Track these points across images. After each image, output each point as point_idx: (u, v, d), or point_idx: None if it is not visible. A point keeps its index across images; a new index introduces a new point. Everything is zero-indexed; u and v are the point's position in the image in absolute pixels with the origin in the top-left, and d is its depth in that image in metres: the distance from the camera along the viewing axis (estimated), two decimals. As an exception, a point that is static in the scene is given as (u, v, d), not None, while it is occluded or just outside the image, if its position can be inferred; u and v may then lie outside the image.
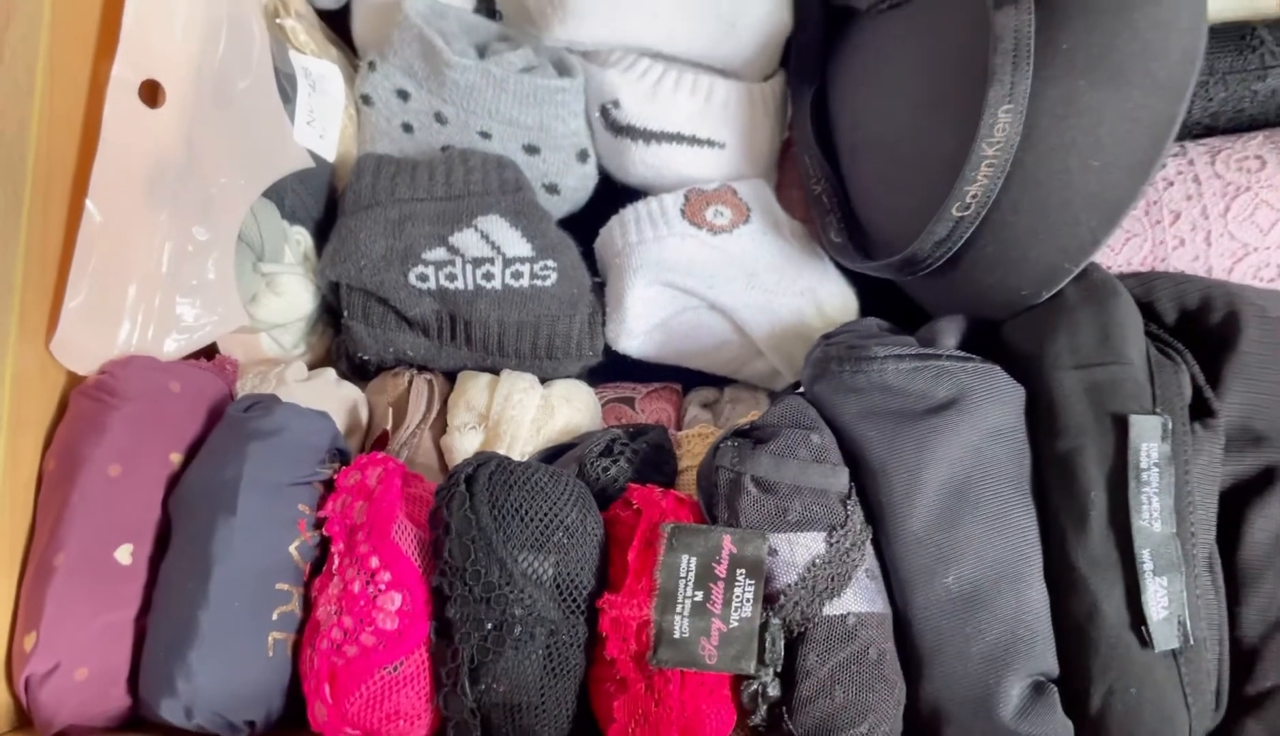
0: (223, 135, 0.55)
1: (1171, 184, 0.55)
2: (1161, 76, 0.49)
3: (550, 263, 0.59)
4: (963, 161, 0.50)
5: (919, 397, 0.50)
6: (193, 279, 0.54)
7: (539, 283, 0.58)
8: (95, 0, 0.54)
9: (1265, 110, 0.56)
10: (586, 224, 0.65)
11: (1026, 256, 0.52)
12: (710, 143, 0.63)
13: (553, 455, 0.56)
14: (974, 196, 0.51)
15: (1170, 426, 0.49)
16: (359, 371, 0.62)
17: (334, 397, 0.57)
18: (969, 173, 0.50)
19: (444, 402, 0.59)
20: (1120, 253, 0.55)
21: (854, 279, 0.62)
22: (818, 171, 0.62)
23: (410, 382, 0.59)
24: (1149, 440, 0.48)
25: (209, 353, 0.57)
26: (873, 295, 0.62)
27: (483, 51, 0.63)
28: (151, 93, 0.53)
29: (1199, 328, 0.53)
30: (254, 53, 0.58)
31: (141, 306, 0.53)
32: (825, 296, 0.61)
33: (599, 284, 0.62)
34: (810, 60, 0.63)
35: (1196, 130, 0.57)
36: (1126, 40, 0.49)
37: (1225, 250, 0.54)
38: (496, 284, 0.58)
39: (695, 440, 0.57)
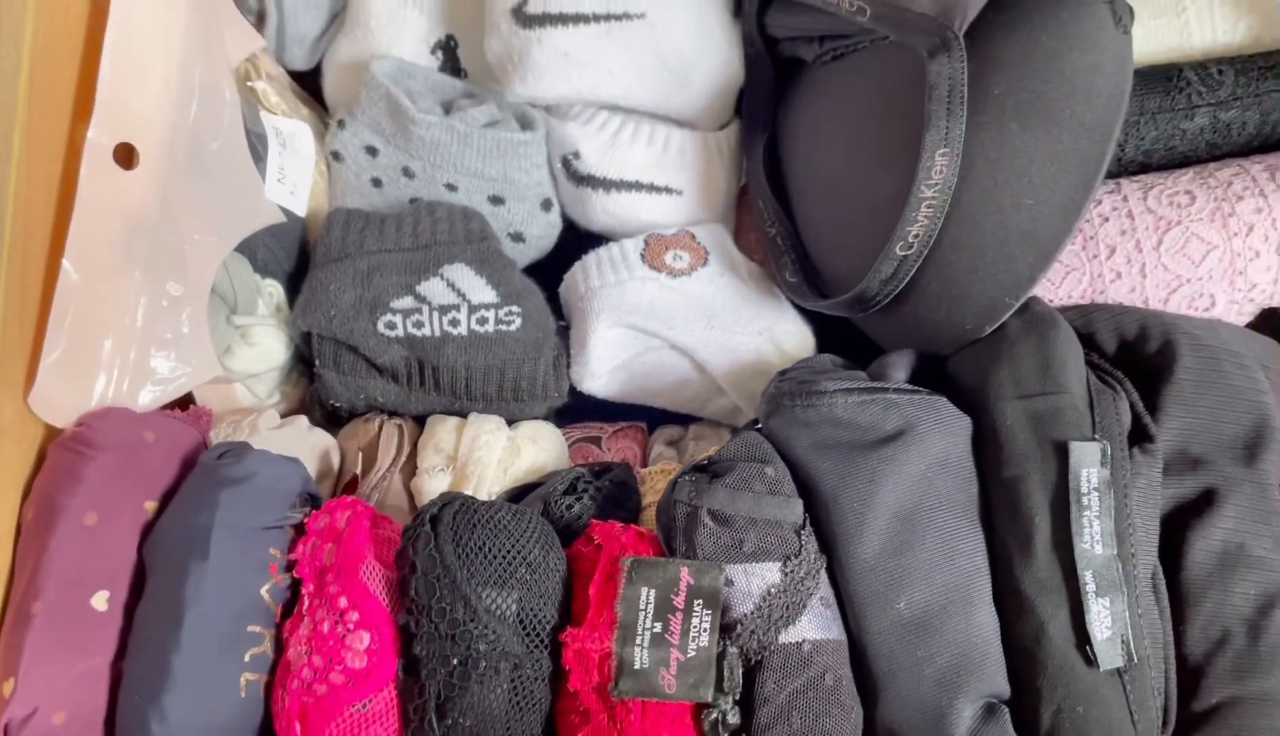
0: (196, 194, 0.57)
1: (1107, 219, 0.57)
2: (1089, 119, 0.51)
3: (515, 308, 0.61)
4: (903, 203, 0.53)
5: (868, 429, 0.52)
6: (167, 332, 0.56)
7: (504, 327, 0.60)
8: (71, 67, 0.56)
9: (1195, 147, 0.59)
10: (553, 270, 0.67)
11: (968, 293, 0.54)
12: (668, 190, 0.65)
13: (519, 494, 0.58)
14: (916, 236, 0.53)
15: (1109, 452, 0.50)
16: (332, 418, 0.64)
17: (305, 444, 0.59)
18: (910, 213, 0.53)
19: (414, 446, 0.60)
20: (1060, 286, 0.58)
21: (810, 317, 0.64)
22: (771, 215, 0.64)
23: (381, 427, 0.61)
24: (1089, 466, 0.50)
25: (184, 403, 0.59)
26: (829, 332, 0.64)
27: (448, 108, 0.66)
28: (126, 155, 0.55)
29: (1137, 357, 0.55)
30: (226, 114, 0.60)
31: (117, 360, 0.55)
32: (782, 334, 0.63)
33: (564, 327, 0.64)
34: (761, 110, 0.66)
35: (1131, 167, 0.60)
36: (1055, 85, 0.51)
37: (1160, 281, 0.56)
38: (462, 330, 0.60)
39: (658, 476, 0.59)
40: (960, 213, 0.53)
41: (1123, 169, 0.60)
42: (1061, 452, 0.51)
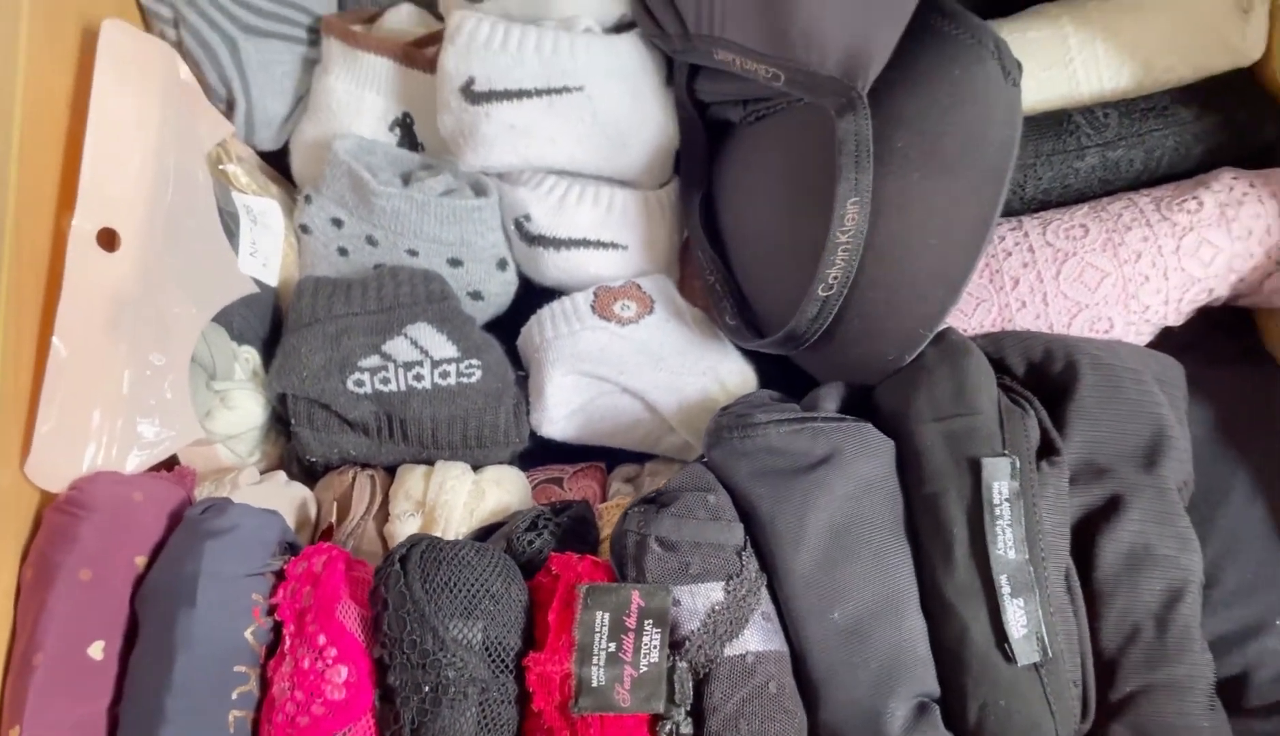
0: (174, 270, 0.62)
1: (1010, 254, 0.62)
2: (983, 165, 0.57)
3: (475, 361, 0.65)
4: (822, 248, 0.58)
5: (800, 456, 0.57)
6: (151, 400, 0.60)
7: (465, 380, 0.65)
8: (55, 160, 0.61)
9: (1088, 184, 0.64)
10: (511, 324, 0.72)
11: (886, 327, 0.59)
12: (614, 245, 0.70)
13: (485, 534, 0.62)
14: (835, 278, 0.58)
15: (1018, 465, 0.55)
16: (309, 472, 0.68)
17: (284, 497, 0.63)
18: (828, 257, 0.58)
19: (385, 495, 0.65)
20: (972, 316, 0.63)
21: (751, 355, 0.69)
22: (710, 264, 0.69)
23: (354, 478, 0.65)
24: (1000, 479, 0.55)
25: (170, 465, 0.63)
26: (770, 368, 0.69)
27: (407, 179, 0.71)
28: (109, 238, 0.60)
29: (1044, 378, 0.60)
30: (200, 197, 0.65)
31: (106, 428, 0.59)
32: (726, 373, 0.68)
33: (522, 377, 0.69)
34: (697, 168, 0.71)
35: (1032, 205, 0.65)
36: (951, 137, 0.57)
37: (1061, 308, 0.62)
38: (426, 384, 0.64)
39: (614, 511, 0.63)
40: (874, 255, 0.58)
41: (1024, 207, 0.65)
42: (975, 468, 0.55)
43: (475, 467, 0.66)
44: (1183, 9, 0.64)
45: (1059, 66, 0.64)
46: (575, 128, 0.67)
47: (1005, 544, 0.54)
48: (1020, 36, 0.64)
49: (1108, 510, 0.57)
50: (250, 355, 0.67)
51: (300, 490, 0.65)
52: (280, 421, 0.70)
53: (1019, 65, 0.58)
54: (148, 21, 0.71)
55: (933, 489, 0.56)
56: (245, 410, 0.66)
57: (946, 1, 0.59)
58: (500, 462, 0.68)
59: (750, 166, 0.67)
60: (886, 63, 0.57)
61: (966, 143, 0.57)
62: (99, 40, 0.62)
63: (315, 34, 0.76)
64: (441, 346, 0.65)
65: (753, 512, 0.57)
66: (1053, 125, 0.64)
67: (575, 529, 0.61)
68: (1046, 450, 0.57)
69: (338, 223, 0.70)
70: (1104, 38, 0.64)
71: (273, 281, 0.69)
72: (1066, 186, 0.64)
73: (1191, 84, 0.64)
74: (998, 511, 0.54)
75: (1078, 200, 0.65)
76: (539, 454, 0.71)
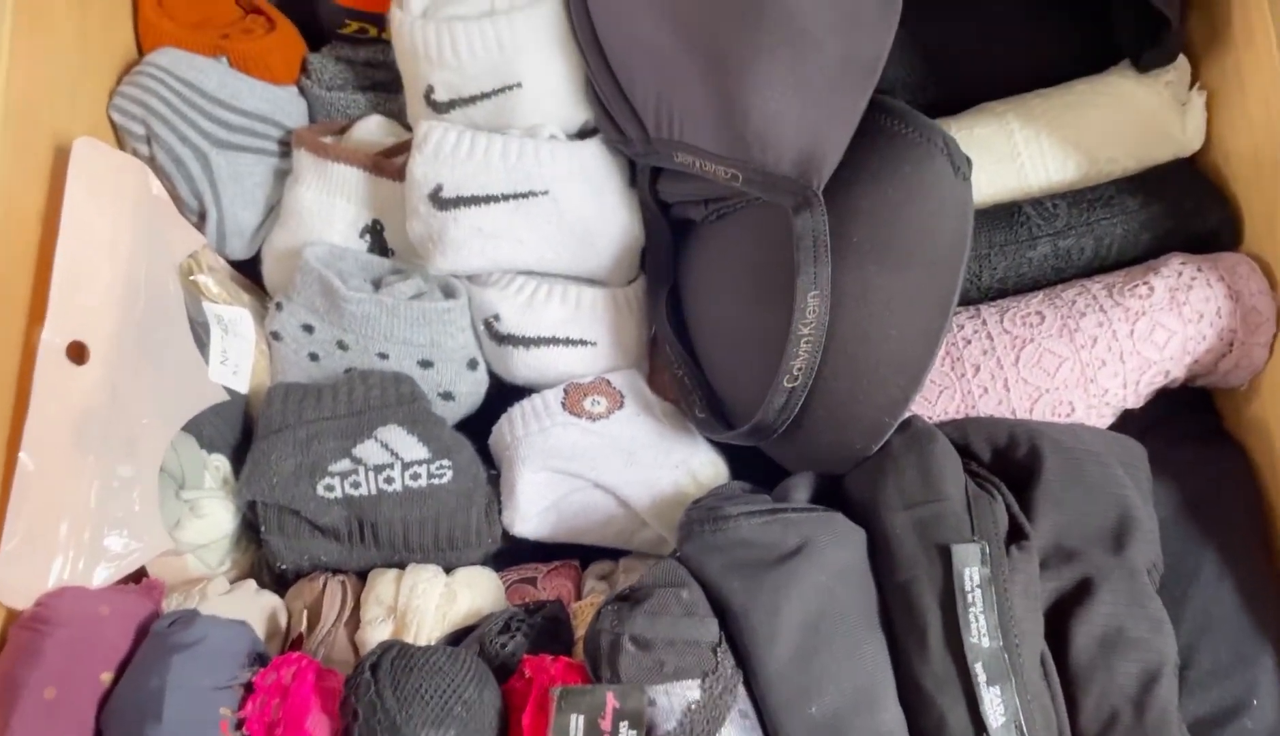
0: (144, 381, 0.62)
1: (970, 342, 0.64)
2: (937, 257, 0.58)
3: (445, 462, 0.66)
4: (785, 341, 0.59)
5: (772, 547, 0.57)
6: (119, 512, 0.60)
7: (436, 481, 0.65)
8: (26, 275, 0.61)
9: (1042, 272, 0.66)
10: (483, 423, 0.72)
11: (851, 415, 0.60)
12: (583, 342, 0.71)
13: (458, 638, 0.61)
14: (799, 369, 0.59)
15: (988, 551, 0.56)
16: (280, 580, 0.68)
17: (254, 607, 0.62)
18: (791, 349, 0.59)
19: (357, 601, 0.64)
20: (936, 404, 0.64)
21: (722, 447, 0.70)
22: (678, 358, 0.70)
23: (325, 585, 0.64)
24: (970, 565, 0.55)
25: (138, 577, 0.63)
26: (741, 460, 0.70)
27: (378, 284, 0.72)
28: (78, 351, 0.60)
29: (1009, 463, 0.61)
30: (170, 307, 0.66)
31: (72, 542, 0.58)
32: (697, 466, 0.68)
33: (494, 476, 0.69)
34: (662, 266, 0.73)
35: (989, 294, 0.67)
36: (904, 231, 0.58)
37: (1023, 393, 0.63)
38: (397, 486, 0.64)
39: (588, 609, 0.63)
40: (836, 346, 0.59)
41: (981, 296, 0.67)
42: (945, 555, 0.56)
43: (447, 570, 0.66)
44: (1123, 104, 0.67)
45: (1007, 161, 0.67)
46: (542, 229, 0.69)
47: (979, 631, 0.54)
48: (968, 134, 0.67)
49: (1079, 594, 0.57)
50: (220, 463, 0.67)
51: (271, 599, 0.64)
52: (251, 529, 0.69)
53: (968, 160, 0.60)
54: (120, 138, 0.73)
55: (904, 577, 0.56)
56: (215, 519, 0.65)
57: (894, 103, 0.62)
58: (473, 564, 0.67)
59: (713, 263, 0.69)
60: (840, 161, 0.59)
61: (920, 236, 0.58)
62: (71, 157, 0.63)
63: (286, 146, 0.77)
64: (412, 448, 0.65)
65: (727, 607, 0.56)
66: (1005, 216, 0.66)
67: (549, 629, 0.61)
68: (1015, 535, 0.58)
69: (309, 328, 0.71)
70: (1048, 132, 0.66)
71: (243, 389, 0.70)
72: (1021, 275, 0.66)
73: (1137, 174, 0.67)
74: (970, 598, 0.54)
75: (1032, 288, 0.66)
76: (512, 554, 0.70)
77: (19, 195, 0.61)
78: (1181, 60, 0.67)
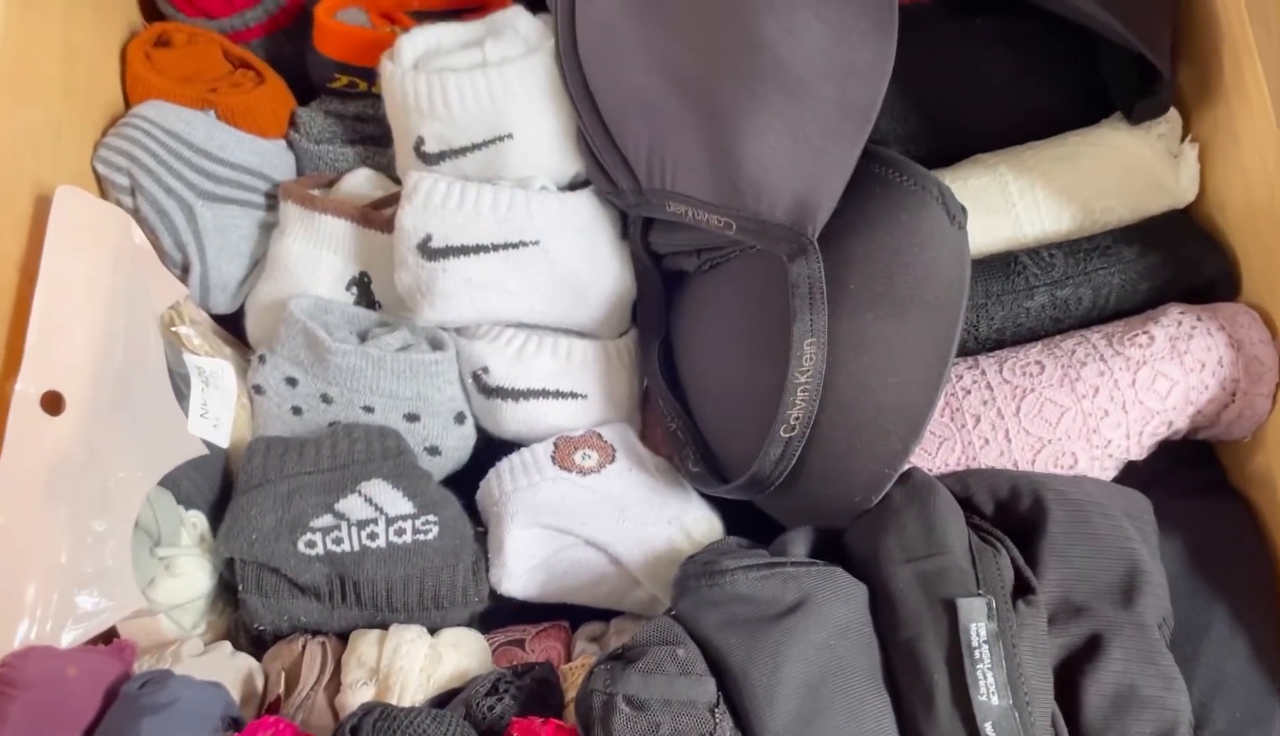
0: (120, 433, 0.61)
1: (969, 392, 0.63)
2: (935, 304, 0.57)
3: (431, 517, 0.63)
4: (782, 390, 0.58)
5: (770, 603, 0.55)
6: (90, 569, 0.57)
7: (421, 537, 0.63)
8: (2, 322, 0.60)
9: (1040, 322, 0.65)
10: (470, 480, 0.70)
11: (850, 467, 0.59)
12: (573, 395, 0.70)
13: (443, 701, 0.59)
14: (796, 419, 0.58)
15: (995, 606, 0.54)
16: (258, 643, 0.65)
17: (229, 669, 0.60)
18: (788, 398, 0.58)
19: (337, 663, 0.61)
20: (936, 456, 0.62)
21: (717, 503, 0.68)
22: (670, 410, 0.69)
23: (304, 647, 0.62)
24: (977, 620, 0.53)
25: (108, 637, 0.60)
26: (736, 517, 0.68)
27: (364, 337, 0.71)
28: (53, 402, 0.59)
29: (1012, 515, 0.59)
30: (150, 358, 0.64)
31: (41, 600, 0.56)
32: (691, 522, 0.66)
33: (481, 533, 0.67)
34: (654, 317, 0.72)
35: (987, 344, 0.66)
36: (901, 278, 0.58)
37: (1024, 444, 0.61)
38: (381, 542, 0.62)
39: (578, 671, 0.61)
40: (833, 395, 0.58)
41: (979, 346, 0.66)
42: (950, 610, 0.54)
43: (432, 631, 0.63)
44: (1116, 155, 0.66)
45: (1002, 212, 0.66)
46: (533, 280, 0.68)
47: (988, 689, 0.52)
48: (961, 184, 0.66)
49: (1089, 651, 0.55)
50: (198, 520, 0.65)
51: (247, 661, 0.61)
52: (227, 590, 0.67)
53: (964, 209, 0.59)
54: (104, 189, 0.72)
55: (909, 633, 0.54)
56: (191, 577, 0.63)
57: (888, 152, 0.61)
58: (458, 624, 0.65)
59: (706, 313, 0.68)
60: (834, 210, 0.58)
61: (918, 283, 0.58)
62: (52, 206, 0.62)
63: (272, 199, 0.76)
64: (397, 503, 0.63)
65: (724, 665, 0.54)
66: (1001, 266, 0.65)
67: (538, 692, 0.58)
68: (1021, 589, 0.56)
69: (292, 382, 0.69)
70: (1043, 183, 0.66)
71: (224, 443, 0.68)
72: (1019, 325, 0.65)
73: (1134, 224, 0.66)
74: (977, 655, 0.52)
75: (1030, 339, 0.65)
76: (499, 615, 0.68)
77: (-2, 243, 0.60)
78: (1173, 112, 0.67)
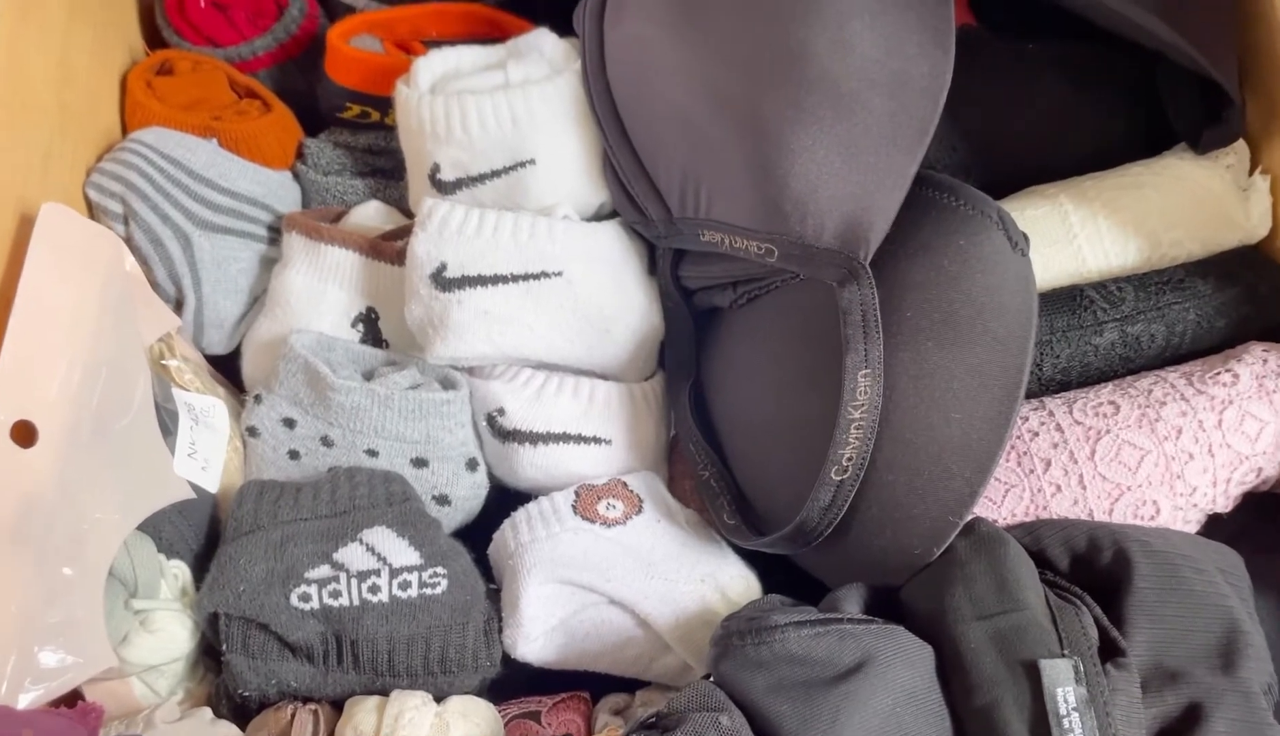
0: (98, 470, 0.55)
1: (1036, 434, 0.57)
2: (1001, 333, 0.52)
3: (440, 570, 0.57)
4: (832, 428, 0.52)
5: (826, 664, 0.48)
6: (56, 619, 0.51)
7: (428, 591, 0.56)
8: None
9: (1109, 362, 0.60)
10: (479, 535, 0.64)
11: (910, 515, 0.53)
12: (596, 439, 0.64)
13: (450, 778, 0.51)
14: (849, 459, 0.52)
15: (1082, 668, 0.47)
16: (240, 712, 0.58)
17: (208, 738, 0.53)
18: (840, 435, 0.52)
19: (330, 733, 0.54)
20: (1002, 505, 0.56)
21: (753, 562, 0.62)
22: (703, 457, 0.63)
23: (293, 715, 0.55)
24: (1063, 685, 0.47)
25: (71, 699, 0.53)
26: (772, 579, 0.62)
27: (370, 377, 0.65)
28: (25, 432, 0.53)
29: (1091, 570, 0.53)
30: (136, 392, 0.58)
31: (-2, 655, 0.49)
32: (726, 581, 0.60)
33: (494, 590, 0.61)
34: (683, 358, 0.66)
35: (1051, 386, 0.60)
36: (963, 305, 0.53)
37: (1101, 492, 0.55)
38: (383, 596, 0.56)
39: (603, 746, 0.54)
40: (891, 432, 0.52)
41: (1043, 388, 0.60)
42: (1032, 673, 0.47)
43: (437, 699, 0.56)
44: (1183, 186, 0.62)
45: (1063, 243, 0.62)
46: (555, 314, 0.63)
47: (1079, 763, 0.45)
48: (1019, 215, 0.61)
49: (1187, 721, 0.49)
50: (180, 570, 0.58)
51: (229, 730, 0.54)
52: (210, 654, 0.60)
53: (1025, 237, 0.55)
54: (95, 216, 0.67)
55: (985, 699, 0.48)
56: (169, 635, 0.56)
57: (941, 176, 0.57)
58: (466, 692, 0.58)
59: (744, 350, 0.62)
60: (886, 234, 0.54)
61: (980, 311, 0.53)
62: (36, 223, 0.57)
63: (274, 232, 0.72)
64: (402, 552, 0.57)
65: (773, 735, 0.48)
66: (1066, 301, 0.60)
67: (559, 768, 0.51)
68: (1108, 651, 0.49)
69: (290, 423, 0.63)
70: (1105, 214, 0.62)
71: (212, 487, 0.62)
72: (1086, 364, 0.60)
73: (1205, 258, 0.61)
74: (1066, 724, 0.46)
75: (1098, 380, 0.60)
76: (509, 683, 0.61)
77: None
78: (1240, 143, 0.63)
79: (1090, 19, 0.60)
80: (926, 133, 0.53)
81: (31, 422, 0.53)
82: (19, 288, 0.55)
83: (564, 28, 0.68)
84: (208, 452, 0.62)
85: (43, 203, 0.59)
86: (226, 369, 0.71)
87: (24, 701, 0.50)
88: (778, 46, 0.54)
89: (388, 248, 0.67)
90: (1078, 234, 0.61)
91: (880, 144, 0.53)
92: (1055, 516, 0.56)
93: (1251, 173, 0.63)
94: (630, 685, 0.62)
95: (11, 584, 0.50)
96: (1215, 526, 0.58)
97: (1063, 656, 0.48)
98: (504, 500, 0.65)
